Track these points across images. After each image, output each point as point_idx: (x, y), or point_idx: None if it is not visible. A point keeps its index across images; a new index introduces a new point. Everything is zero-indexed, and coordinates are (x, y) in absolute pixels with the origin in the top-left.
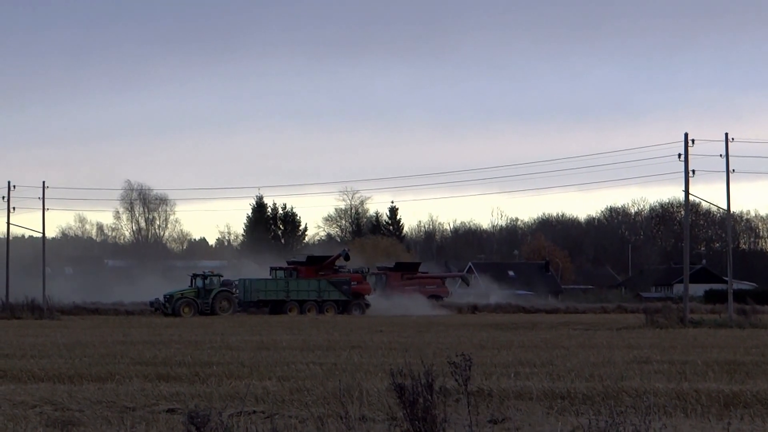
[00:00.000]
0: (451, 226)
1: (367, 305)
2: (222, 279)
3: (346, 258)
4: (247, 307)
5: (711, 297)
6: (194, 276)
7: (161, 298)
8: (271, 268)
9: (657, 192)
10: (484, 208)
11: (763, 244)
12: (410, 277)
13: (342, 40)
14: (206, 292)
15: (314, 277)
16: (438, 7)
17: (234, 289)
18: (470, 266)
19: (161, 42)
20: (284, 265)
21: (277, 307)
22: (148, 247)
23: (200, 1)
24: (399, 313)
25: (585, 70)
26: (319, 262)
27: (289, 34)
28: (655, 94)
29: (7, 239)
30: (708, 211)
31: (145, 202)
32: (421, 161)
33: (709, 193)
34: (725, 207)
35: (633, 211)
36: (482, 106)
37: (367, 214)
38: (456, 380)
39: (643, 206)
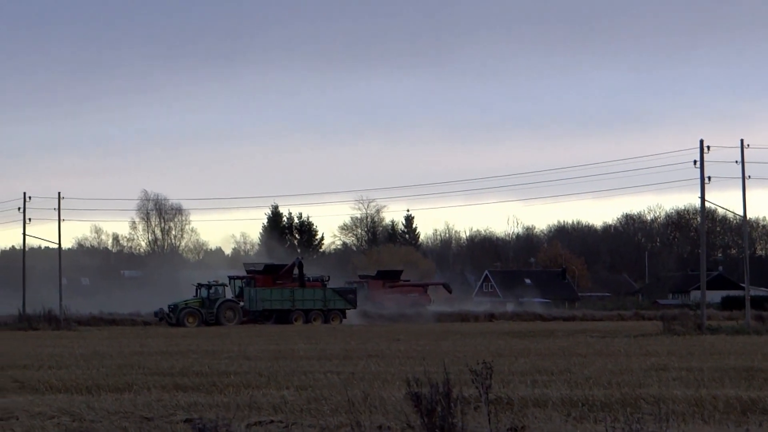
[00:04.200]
0: (467, 234)
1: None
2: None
3: (300, 266)
4: (255, 316)
5: (728, 304)
6: (199, 286)
7: (166, 308)
8: (229, 277)
9: (673, 199)
10: (500, 216)
11: None
12: (392, 285)
13: (353, 51)
14: (211, 302)
15: (271, 286)
16: (446, 17)
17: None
18: (487, 274)
19: (175, 56)
20: (243, 273)
21: (282, 317)
22: (164, 257)
23: (214, 15)
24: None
25: (595, 77)
26: (276, 271)
27: (301, 47)
28: (668, 101)
29: (23, 250)
30: (724, 218)
31: (160, 212)
32: (436, 170)
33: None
34: (741, 213)
35: (649, 218)
36: (494, 114)
37: (383, 223)
38: (476, 388)
39: (659, 213)
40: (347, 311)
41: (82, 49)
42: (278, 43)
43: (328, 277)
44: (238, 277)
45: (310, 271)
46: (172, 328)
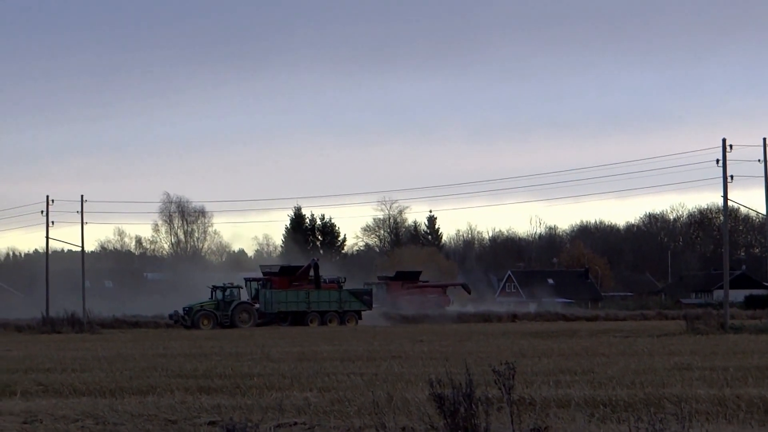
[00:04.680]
0: (490, 235)
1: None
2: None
3: (316, 267)
4: (271, 318)
5: (751, 302)
6: (214, 288)
7: (180, 311)
8: (245, 279)
9: (695, 198)
10: (523, 217)
11: None
12: (411, 286)
13: (376, 52)
14: (226, 304)
15: (287, 288)
16: (470, 17)
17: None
18: (509, 274)
19: (198, 58)
20: (259, 275)
21: (297, 319)
22: (187, 260)
23: (236, 17)
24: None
25: (617, 76)
26: (292, 273)
27: (324, 48)
28: (691, 100)
29: (46, 253)
30: (747, 217)
31: (183, 214)
32: (458, 170)
33: (747, 199)
34: (764, 212)
35: (671, 217)
36: (516, 114)
37: (406, 224)
38: (499, 389)
39: (682, 212)
40: (364, 312)
41: (105, 52)
42: (301, 45)
43: (344, 278)
44: (254, 279)
45: (332, 273)
46: (196, 331)
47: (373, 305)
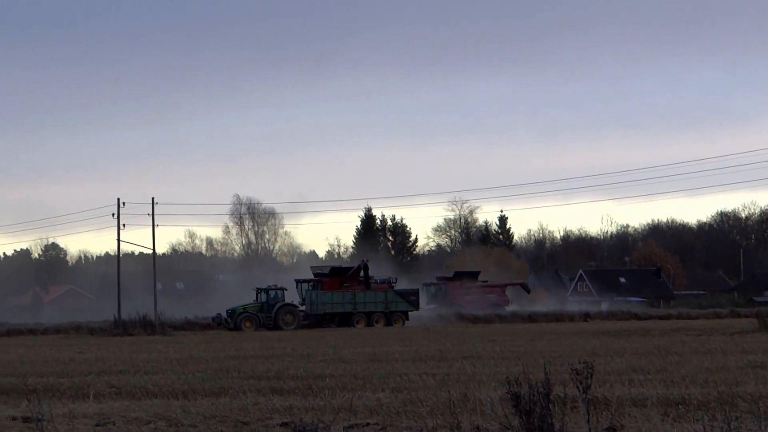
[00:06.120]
0: (561, 234)
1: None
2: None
3: (365, 268)
4: (317, 320)
5: None
6: (258, 290)
7: (224, 313)
8: (296, 281)
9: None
10: (594, 216)
11: None
12: (470, 286)
13: (446, 52)
14: (270, 306)
15: (338, 289)
16: (540, 17)
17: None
18: (581, 274)
19: (266, 61)
20: (310, 277)
21: (344, 320)
22: (258, 261)
23: (304, 18)
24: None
25: (688, 75)
26: (342, 274)
27: (393, 48)
28: (762, 98)
29: (118, 256)
30: None
31: (254, 216)
32: (528, 170)
33: None
34: None
35: (743, 215)
36: (585, 113)
37: (477, 224)
38: (576, 387)
39: (754, 210)
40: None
41: (174, 55)
42: (370, 45)
43: (395, 278)
44: (305, 281)
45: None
46: (276, 332)
47: (432, 305)
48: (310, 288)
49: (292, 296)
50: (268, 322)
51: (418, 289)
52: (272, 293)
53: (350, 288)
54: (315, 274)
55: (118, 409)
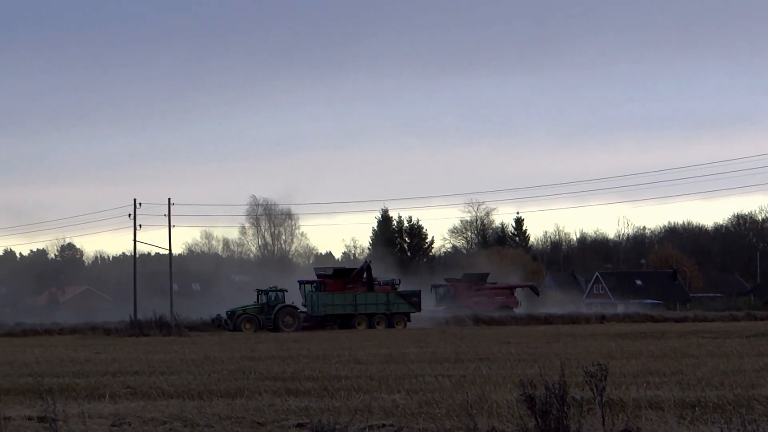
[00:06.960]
0: (577, 236)
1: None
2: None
3: (368, 269)
4: (318, 321)
5: None
6: (259, 291)
7: (223, 314)
8: (299, 282)
9: None
10: (610, 218)
11: None
12: (478, 288)
13: (461, 54)
14: (270, 307)
15: (341, 290)
16: (555, 19)
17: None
18: (597, 276)
19: (283, 62)
20: (313, 278)
21: (345, 322)
22: (275, 262)
23: (321, 20)
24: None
25: (704, 77)
26: (346, 275)
27: (410, 51)
28: None
29: (134, 256)
30: None
31: (270, 217)
32: (544, 172)
33: None
34: None
35: (760, 218)
36: (601, 115)
37: (493, 226)
38: (591, 389)
39: None
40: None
41: (190, 57)
42: (387, 49)
43: (399, 280)
44: (308, 282)
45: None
46: (292, 333)
47: (441, 306)
48: (313, 289)
49: (295, 297)
50: (268, 323)
51: (420, 291)
52: (272, 294)
53: (353, 289)
54: (318, 275)
55: (134, 410)
